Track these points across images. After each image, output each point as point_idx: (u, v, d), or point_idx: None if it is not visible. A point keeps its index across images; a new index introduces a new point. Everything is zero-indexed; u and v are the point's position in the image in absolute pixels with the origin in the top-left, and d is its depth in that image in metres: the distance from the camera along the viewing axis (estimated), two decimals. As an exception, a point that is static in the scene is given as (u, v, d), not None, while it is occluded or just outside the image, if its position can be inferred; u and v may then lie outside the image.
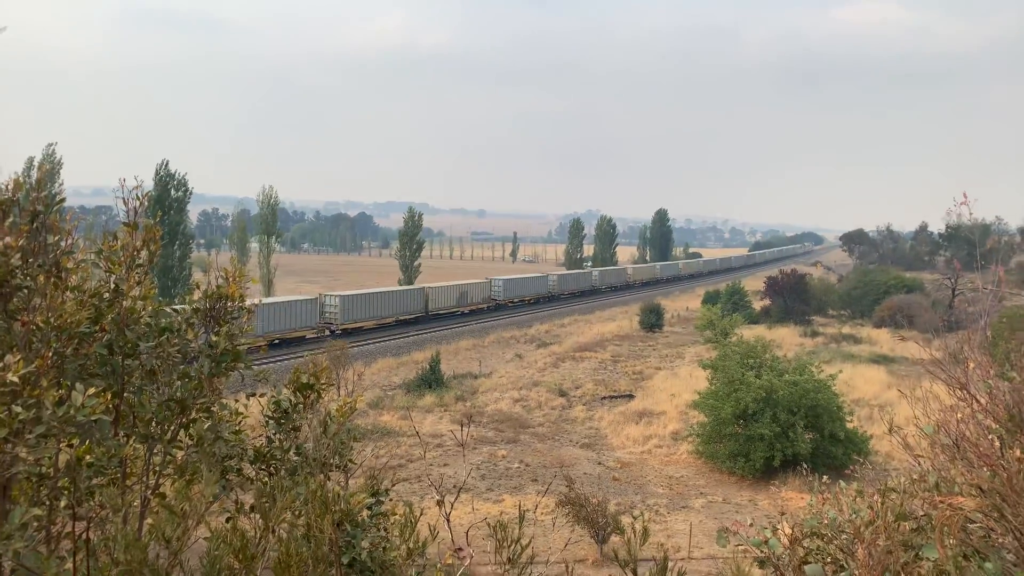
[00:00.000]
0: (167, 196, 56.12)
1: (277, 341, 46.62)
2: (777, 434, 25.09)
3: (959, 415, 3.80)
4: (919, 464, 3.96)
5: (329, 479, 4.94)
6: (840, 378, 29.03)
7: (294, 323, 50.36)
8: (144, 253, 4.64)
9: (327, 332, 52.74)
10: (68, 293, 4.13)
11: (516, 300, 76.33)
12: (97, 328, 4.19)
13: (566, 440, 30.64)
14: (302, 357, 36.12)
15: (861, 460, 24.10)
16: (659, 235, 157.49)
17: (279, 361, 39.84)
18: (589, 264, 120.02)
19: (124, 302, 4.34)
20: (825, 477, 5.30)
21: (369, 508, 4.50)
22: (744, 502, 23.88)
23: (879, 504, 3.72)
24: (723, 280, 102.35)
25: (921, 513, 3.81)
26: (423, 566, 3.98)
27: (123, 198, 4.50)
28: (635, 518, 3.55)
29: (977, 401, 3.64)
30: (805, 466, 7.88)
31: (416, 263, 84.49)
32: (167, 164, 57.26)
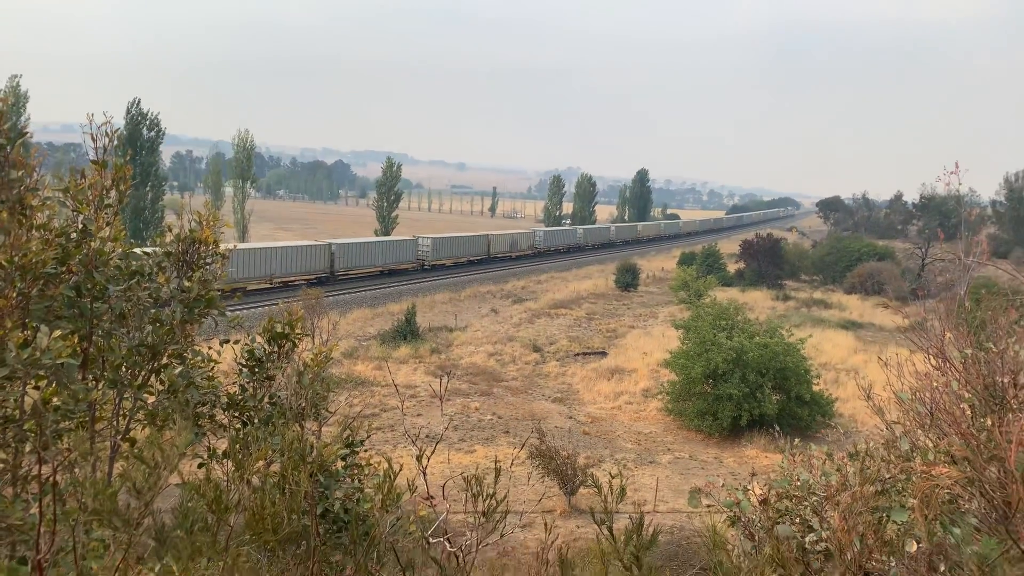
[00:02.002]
0: (139, 135, 54.61)
1: (389, 271, 60.83)
2: (745, 394, 25.57)
3: (934, 383, 3.84)
4: (891, 430, 4.01)
5: (304, 428, 4.89)
6: (809, 342, 29.52)
7: (398, 258, 62.78)
8: (114, 193, 4.47)
9: (422, 266, 65.32)
10: (33, 231, 3.97)
11: (552, 248, 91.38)
12: (64, 269, 4.05)
13: (538, 394, 30.97)
14: (276, 304, 35.86)
15: (830, 423, 24.52)
16: (638, 195, 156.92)
17: (253, 308, 39.49)
18: (568, 222, 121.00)
19: (92, 243, 4.18)
20: (797, 440, 5.38)
21: (343, 459, 4.47)
22: (710, 459, 24.44)
23: (851, 469, 3.77)
24: (702, 241, 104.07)
25: (888, 476, 3.88)
26: (397, 517, 3.98)
27: (91, 134, 4.31)
28: (613, 477, 3.56)
29: (954, 369, 3.67)
30: (776, 428, 7.99)
31: (393, 214, 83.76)
32: (139, 102, 55.58)
